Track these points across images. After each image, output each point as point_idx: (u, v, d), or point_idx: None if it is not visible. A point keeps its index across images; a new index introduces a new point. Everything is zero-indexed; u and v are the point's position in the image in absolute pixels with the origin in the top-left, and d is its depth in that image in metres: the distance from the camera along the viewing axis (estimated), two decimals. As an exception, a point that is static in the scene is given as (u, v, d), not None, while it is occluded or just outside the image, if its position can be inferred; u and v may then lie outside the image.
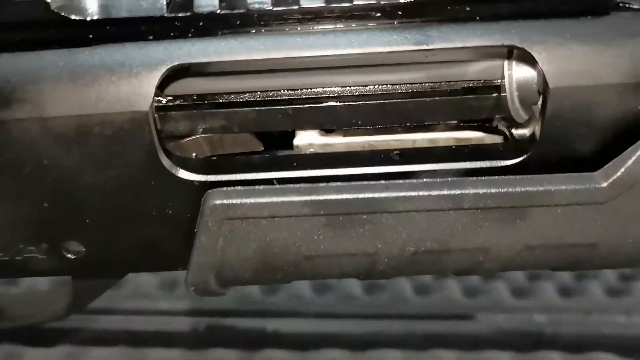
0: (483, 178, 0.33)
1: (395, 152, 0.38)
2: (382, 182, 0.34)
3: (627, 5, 0.33)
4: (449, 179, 0.34)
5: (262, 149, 0.42)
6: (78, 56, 0.34)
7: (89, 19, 0.33)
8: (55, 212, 0.37)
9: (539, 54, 0.31)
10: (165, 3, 0.33)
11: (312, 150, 0.41)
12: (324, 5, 0.34)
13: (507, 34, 0.32)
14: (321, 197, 0.34)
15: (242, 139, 0.42)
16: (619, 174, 0.32)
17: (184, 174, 0.35)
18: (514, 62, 0.37)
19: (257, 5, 0.33)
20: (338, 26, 0.34)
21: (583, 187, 0.33)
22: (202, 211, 0.35)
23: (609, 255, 0.35)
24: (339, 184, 0.34)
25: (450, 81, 0.40)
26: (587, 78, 0.31)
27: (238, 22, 0.33)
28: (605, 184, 0.32)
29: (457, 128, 0.41)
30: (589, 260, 0.35)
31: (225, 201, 0.35)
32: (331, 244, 0.36)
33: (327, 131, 0.42)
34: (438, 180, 0.34)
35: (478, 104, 0.40)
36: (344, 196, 0.34)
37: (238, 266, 0.37)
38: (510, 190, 0.33)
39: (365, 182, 0.34)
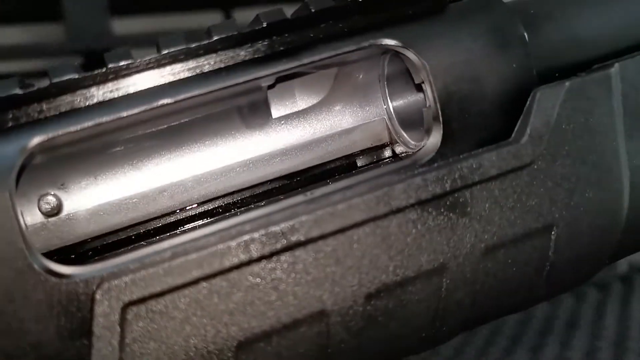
0: (405, 172, 0.31)
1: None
2: (308, 199, 0.30)
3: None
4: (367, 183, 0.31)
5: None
6: None
7: None
8: None
9: (420, 51, 0.32)
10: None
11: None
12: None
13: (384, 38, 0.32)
14: (243, 238, 0.29)
15: None
16: (529, 127, 0.31)
17: (71, 273, 0.28)
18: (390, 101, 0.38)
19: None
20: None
21: (506, 150, 0.31)
22: (95, 307, 0.28)
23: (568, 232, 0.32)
24: (261, 215, 0.29)
25: (341, 157, 0.39)
26: (463, 56, 0.32)
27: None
28: (523, 141, 0.31)
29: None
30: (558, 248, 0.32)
31: (120, 279, 0.28)
32: (267, 310, 0.29)
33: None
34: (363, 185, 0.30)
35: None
36: (267, 229, 0.29)
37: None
38: (438, 174, 0.30)
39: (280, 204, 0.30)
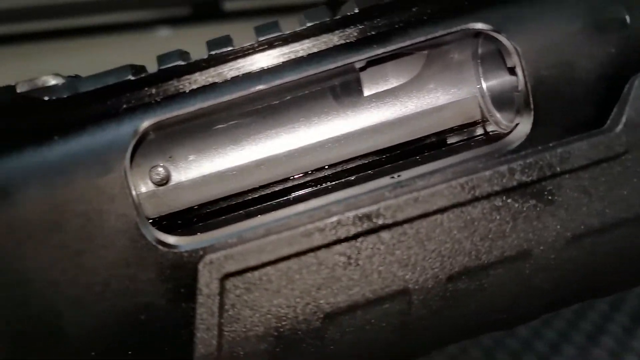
0: (491, 159, 0.31)
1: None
2: (394, 179, 0.31)
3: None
4: (452, 167, 0.31)
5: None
6: (46, 149, 0.32)
7: (55, 97, 0.32)
8: (37, 332, 0.32)
9: (511, 35, 0.32)
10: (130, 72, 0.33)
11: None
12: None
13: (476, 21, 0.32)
14: (331, 219, 0.31)
15: None
16: (625, 116, 0.31)
17: (176, 243, 0.32)
18: (483, 82, 0.38)
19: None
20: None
21: (598, 139, 0.31)
22: (198, 277, 0.31)
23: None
24: (348, 196, 0.31)
25: (431, 134, 0.39)
26: (556, 40, 0.32)
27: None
28: (618, 129, 0.31)
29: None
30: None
31: (219, 253, 0.31)
32: (353, 286, 0.31)
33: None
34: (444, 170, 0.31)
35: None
36: (354, 211, 0.31)
37: (251, 350, 0.31)
38: (525, 163, 0.31)
39: (373, 185, 0.31)
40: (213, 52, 0.33)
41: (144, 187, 0.37)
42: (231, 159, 0.39)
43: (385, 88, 0.39)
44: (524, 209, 0.31)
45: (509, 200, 0.31)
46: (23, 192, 0.31)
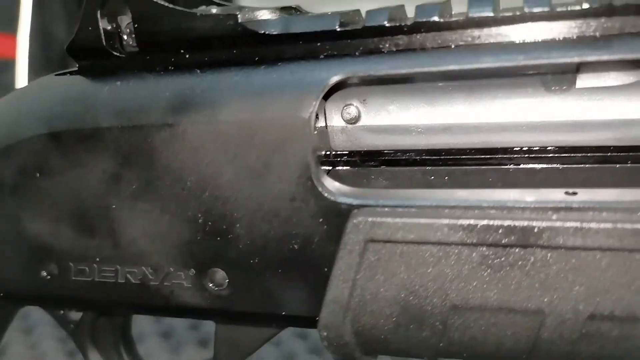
0: None
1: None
2: (564, 203, 0.29)
3: None
4: None
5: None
6: (252, 76, 0.36)
7: (268, 32, 0.35)
8: (209, 231, 0.37)
9: None
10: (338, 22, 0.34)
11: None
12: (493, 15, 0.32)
13: None
14: (483, 222, 0.30)
15: None
16: None
17: (336, 193, 0.34)
18: None
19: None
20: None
21: None
22: (345, 232, 0.33)
23: None
24: (508, 202, 0.30)
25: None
26: None
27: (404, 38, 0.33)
28: None
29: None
30: None
31: (370, 219, 0.32)
32: (487, 290, 0.31)
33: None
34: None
35: None
36: (510, 221, 0.30)
37: (377, 310, 0.34)
38: None
39: (539, 202, 0.30)
40: (419, 20, 0.32)
41: (335, 121, 0.40)
42: (420, 116, 0.39)
43: (602, 84, 0.35)
44: None
45: None
46: (225, 109, 0.35)
